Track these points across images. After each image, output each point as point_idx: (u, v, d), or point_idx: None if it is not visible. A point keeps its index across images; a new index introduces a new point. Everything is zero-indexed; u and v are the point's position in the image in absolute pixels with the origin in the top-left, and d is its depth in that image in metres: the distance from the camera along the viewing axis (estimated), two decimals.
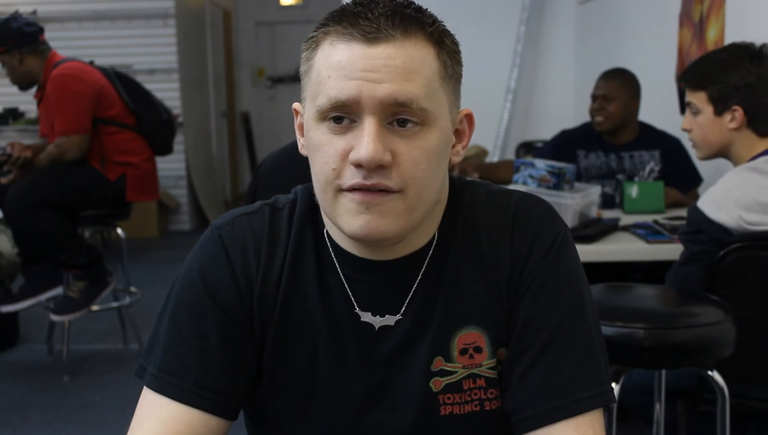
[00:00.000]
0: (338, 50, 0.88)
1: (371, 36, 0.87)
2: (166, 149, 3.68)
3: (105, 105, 3.40)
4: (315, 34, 0.92)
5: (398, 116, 0.88)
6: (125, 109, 3.47)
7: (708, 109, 2.03)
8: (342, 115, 0.88)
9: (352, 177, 0.88)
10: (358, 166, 0.87)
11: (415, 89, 0.87)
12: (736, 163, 2.06)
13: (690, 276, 1.95)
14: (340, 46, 0.88)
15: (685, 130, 2.13)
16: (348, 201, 0.89)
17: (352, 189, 0.88)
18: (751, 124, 2.00)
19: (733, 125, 2.00)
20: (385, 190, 0.88)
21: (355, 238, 0.93)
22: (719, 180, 2.00)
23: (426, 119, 0.89)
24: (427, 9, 0.92)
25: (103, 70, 3.50)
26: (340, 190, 0.89)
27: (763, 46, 2.02)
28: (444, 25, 0.93)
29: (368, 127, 0.87)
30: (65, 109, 3.30)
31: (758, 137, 2.01)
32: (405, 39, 0.88)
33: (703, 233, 1.91)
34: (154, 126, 3.55)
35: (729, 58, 2.02)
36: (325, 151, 0.89)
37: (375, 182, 0.87)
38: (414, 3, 0.92)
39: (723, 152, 2.07)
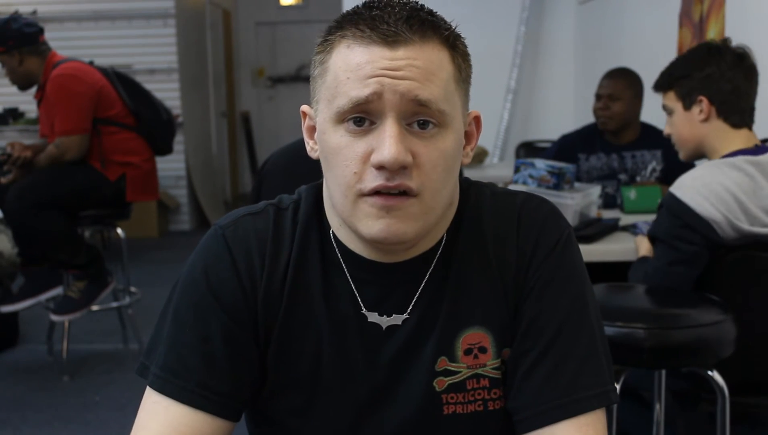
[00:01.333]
0: (356, 53, 0.88)
1: (391, 39, 0.87)
2: (166, 149, 3.68)
3: (105, 105, 3.39)
4: (329, 37, 0.91)
5: (418, 117, 0.88)
6: (125, 109, 3.46)
7: (678, 107, 2.07)
8: (363, 116, 0.88)
9: (374, 179, 0.87)
10: (380, 168, 0.86)
11: (435, 90, 0.87)
12: (712, 158, 2.05)
13: (680, 277, 1.91)
14: (358, 48, 0.88)
15: (667, 135, 2.15)
16: (368, 205, 0.88)
17: (374, 192, 0.87)
18: (721, 115, 2.01)
19: (702, 117, 2.02)
20: (404, 194, 0.88)
21: (373, 242, 0.92)
22: (697, 169, 1.97)
23: (443, 121, 0.89)
24: (436, 12, 0.92)
25: (103, 70, 3.49)
26: (362, 194, 0.88)
27: (725, 40, 2.06)
28: (455, 29, 0.93)
29: (389, 128, 0.86)
30: (65, 109, 3.29)
31: (732, 128, 2.02)
32: (423, 43, 0.88)
33: (694, 231, 1.87)
34: (154, 126, 3.54)
35: (691, 56, 2.08)
36: (344, 155, 0.89)
37: (398, 183, 0.87)
38: (425, 6, 0.92)
39: (701, 148, 2.08)
